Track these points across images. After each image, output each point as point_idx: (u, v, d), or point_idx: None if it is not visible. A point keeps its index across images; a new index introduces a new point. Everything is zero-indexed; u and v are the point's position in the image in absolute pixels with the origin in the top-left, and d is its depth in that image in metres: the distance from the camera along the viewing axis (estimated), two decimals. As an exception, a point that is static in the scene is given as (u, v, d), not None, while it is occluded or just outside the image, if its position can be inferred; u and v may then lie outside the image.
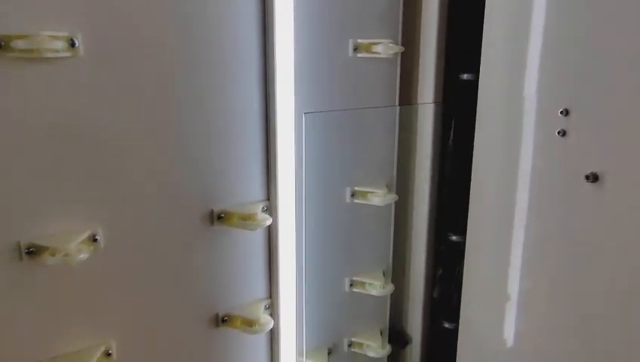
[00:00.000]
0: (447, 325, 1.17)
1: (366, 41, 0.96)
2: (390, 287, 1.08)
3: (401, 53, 1.02)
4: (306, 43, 0.89)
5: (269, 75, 0.87)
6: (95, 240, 0.77)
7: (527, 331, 0.95)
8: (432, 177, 1.10)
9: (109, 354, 0.82)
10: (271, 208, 0.93)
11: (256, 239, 0.95)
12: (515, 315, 0.96)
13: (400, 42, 1.02)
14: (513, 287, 0.95)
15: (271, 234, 0.96)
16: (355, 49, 0.96)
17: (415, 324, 1.20)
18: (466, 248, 1.04)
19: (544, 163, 0.87)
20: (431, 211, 1.12)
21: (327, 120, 0.96)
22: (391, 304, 1.19)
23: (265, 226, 0.90)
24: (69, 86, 0.71)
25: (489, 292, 1.00)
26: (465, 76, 1.02)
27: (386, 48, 0.96)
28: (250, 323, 0.92)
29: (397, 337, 1.21)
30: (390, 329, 1.19)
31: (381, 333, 1.16)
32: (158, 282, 0.85)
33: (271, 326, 0.94)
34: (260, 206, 0.91)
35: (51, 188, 0.72)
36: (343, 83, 0.97)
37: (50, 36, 0.67)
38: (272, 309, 0.98)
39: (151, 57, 0.77)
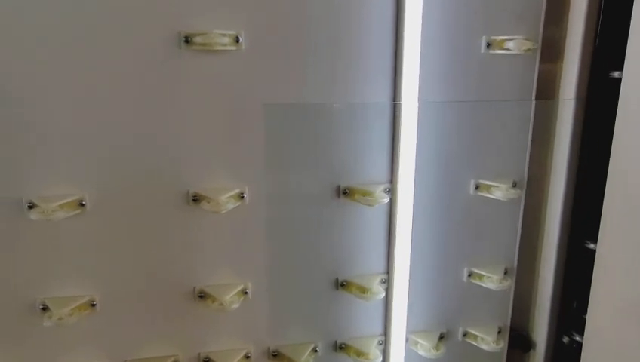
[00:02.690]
0: (577, 338, 1.12)
1: (499, 38, 0.98)
2: (508, 283, 1.08)
3: (542, 48, 1.01)
4: (435, 37, 0.96)
5: (398, 69, 0.96)
6: (242, 197, 0.96)
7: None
8: (569, 179, 1.06)
9: (245, 293, 1.01)
10: (393, 190, 1.02)
11: (377, 216, 1.05)
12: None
13: (540, 38, 1.01)
14: (643, 300, 0.88)
15: (391, 215, 1.05)
16: (488, 45, 0.99)
17: (540, 330, 1.16)
18: (596, 254, 0.98)
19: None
20: (565, 214, 1.08)
21: (455, 111, 1.01)
22: (515, 305, 1.17)
23: (382, 203, 0.99)
24: (231, 72, 0.91)
25: (620, 301, 0.93)
26: (616, 74, 0.97)
27: (518, 45, 0.97)
28: (363, 290, 1.03)
29: (519, 340, 1.19)
30: (512, 330, 1.18)
31: (499, 331, 1.15)
32: (290, 239, 1.02)
33: (381, 296, 1.03)
34: (382, 187, 1.01)
35: (204, 152, 0.94)
36: (473, 78, 1.01)
37: (220, 34, 0.87)
38: (388, 284, 1.07)
39: (296, 51, 0.93)
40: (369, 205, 0.98)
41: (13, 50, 0.82)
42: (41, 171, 0.89)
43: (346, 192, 1.01)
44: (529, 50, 0.99)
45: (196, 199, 0.94)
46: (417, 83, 0.95)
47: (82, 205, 0.91)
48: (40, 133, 0.87)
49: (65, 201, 0.88)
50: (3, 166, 0.87)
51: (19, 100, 0.85)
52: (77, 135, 0.88)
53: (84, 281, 0.95)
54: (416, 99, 0.96)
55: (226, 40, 0.87)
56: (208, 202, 0.92)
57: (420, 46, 0.93)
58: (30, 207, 0.88)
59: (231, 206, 0.92)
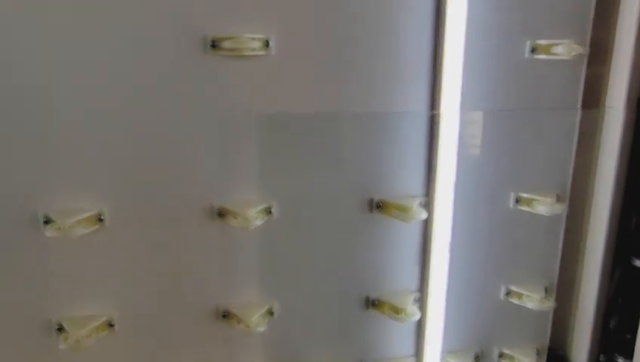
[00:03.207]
0: (620, 360, 1.05)
1: (546, 42, 0.91)
2: (549, 304, 1.02)
3: (589, 54, 0.95)
4: (476, 42, 0.89)
5: (437, 75, 0.90)
6: (270, 211, 0.90)
7: None
8: (615, 192, 1.00)
9: (271, 314, 0.95)
10: (429, 204, 0.96)
11: (411, 232, 0.98)
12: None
13: (589, 43, 0.95)
14: None
15: (426, 230, 0.98)
16: (533, 50, 0.92)
17: (580, 351, 1.10)
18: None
19: None
20: (610, 229, 1.02)
21: (495, 120, 0.95)
22: (554, 325, 1.11)
23: (419, 220, 0.93)
24: (261, 78, 0.84)
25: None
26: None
27: (567, 49, 0.90)
28: (396, 311, 0.97)
29: (557, 360, 1.13)
30: (550, 351, 1.11)
31: (538, 352, 1.09)
32: (319, 257, 0.96)
33: (417, 318, 0.97)
34: (418, 200, 0.95)
35: (231, 163, 0.87)
36: (516, 85, 0.94)
37: (249, 38, 0.81)
38: (421, 302, 1.01)
39: (329, 57, 0.86)
40: (405, 221, 0.92)
41: (32, 58, 0.76)
42: (58, 183, 0.83)
43: (379, 206, 0.95)
44: (578, 55, 0.92)
45: (222, 214, 0.88)
46: (459, 91, 0.89)
47: (101, 220, 0.85)
48: (56, 142, 0.81)
49: (83, 217, 0.83)
50: (18, 177, 0.81)
51: (34, 107, 0.79)
52: (95, 145, 0.82)
53: (102, 301, 0.89)
54: (458, 109, 0.90)
55: (256, 44, 0.81)
56: (235, 217, 0.86)
57: (463, 52, 0.87)
58: (46, 222, 0.82)
59: (259, 222, 0.86)
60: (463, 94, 0.90)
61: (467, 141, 0.95)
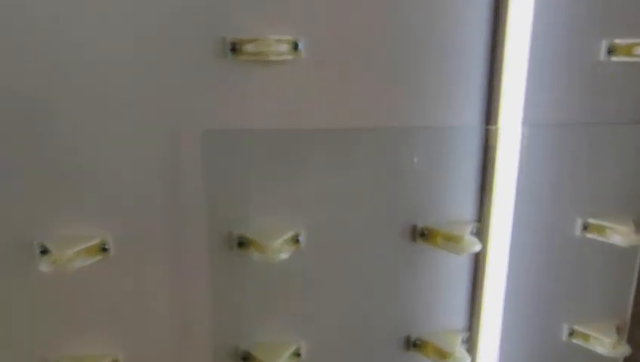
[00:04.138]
0: None
1: (626, 42, 0.77)
2: (624, 350, 0.87)
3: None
4: (544, 43, 0.75)
5: (494, 86, 0.77)
6: (297, 240, 0.78)
7: None
8: None
9: (298, 355, 0.83)
10: (482, 231, 0.83)
11: (461, 264, 0.85)
12: None
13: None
14: None
15: (478, 261, 0.85)
16: (610, 51, 0.78)
17: (655, 401, 0.94)
18: None
19: None
20: (696, 262, 0.86)
21: (561, 135, 0.81)
22: (623, 367, 0.96)
23: (471, 252, 0.79)
24: (290, 87, 0.72)
25: None
26: None
27: (654, 50, 0.76)
28: (443, 355, 0.83)
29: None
30: (618, 397, 0.96)
31: (605, 401, 0.94)
32: (352, 291, 0.83)
33: (467, 364, 0.83)
34: (469, 227, 0.81)
35: (260, 186, 0.76)
36: (588, 93, 0.80)
37: (276, 40, 0.69)
38: (470, 344, 0.88)
39: (368, 62, 0.74)
40: (456, 253, 0.79)
41: (36, 65, 0.66)
42: (56, 209, 0.72)
43: (423, 234, 0.81)
44: (666, 57, 0.77)
45: (242, 243, 0.76)
46: (522, 102, 0.75)
47: (105, 250, 0.74)
48: (55, 163, 0.70)
49: (84, 246, 0.72)
50: (12, 202, 0.71)
51: (33, 120, 0.68)
52: (98, 164, 0.72)
53: (106, 339, 0.79)
54: (519, 122, 0.76)
55: (283, 47, 0.69)
56: (257, 248, 0.74)
57: (528, 54, 0.73)
58: (43, 252, 0.72)
59: (284, 255, 0.73)
60: (525, 105, 0.76)
61: (527, 159, 0.81)
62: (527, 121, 0.77)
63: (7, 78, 0.66)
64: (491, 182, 0.80)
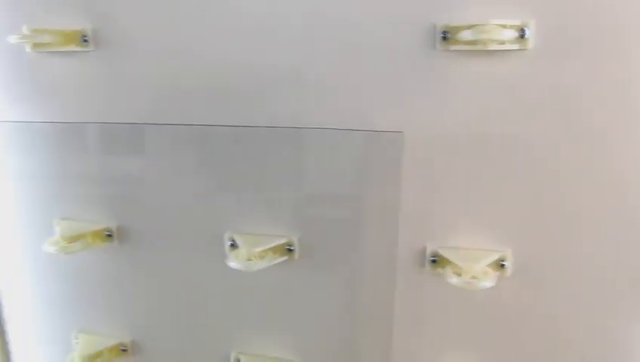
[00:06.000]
0: None
1: None
2: None
3: None
4: None
5: None
6: (502, 265, 0.65)
7: None
8: None
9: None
10: None
11: None
12: None
13: None
14: None
15: None
16: None
17: None
18: None
19: None
20: None
21: None
22: None
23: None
24: (512, 85, 0.60)
25: None
26: None
27: None
28: None
29: None
30: None
31: None
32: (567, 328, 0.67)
33: None
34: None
35: (465, 201, 0.65)
36: None
37: (497, 25, 0.57)
38: None
39: (621, 53, 0.57)
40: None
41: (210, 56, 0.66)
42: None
43: (434, 261, 0.62)
44: None
45: (435, 261, 0.67)
46: None
47: (290, 251, 0.71)
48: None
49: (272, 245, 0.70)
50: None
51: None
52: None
53: (283, 342, 0.76)
54: None
55: (507, 34, 0.57)
56: (454, 271, 0.63)
57: None
58: (232, 246, 0.72)
59: (488, 284, 0.61)
60: None
61: None
62: None
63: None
64: None
